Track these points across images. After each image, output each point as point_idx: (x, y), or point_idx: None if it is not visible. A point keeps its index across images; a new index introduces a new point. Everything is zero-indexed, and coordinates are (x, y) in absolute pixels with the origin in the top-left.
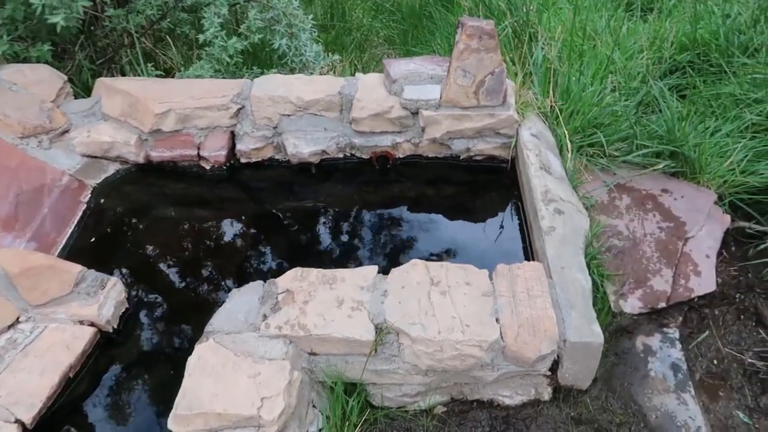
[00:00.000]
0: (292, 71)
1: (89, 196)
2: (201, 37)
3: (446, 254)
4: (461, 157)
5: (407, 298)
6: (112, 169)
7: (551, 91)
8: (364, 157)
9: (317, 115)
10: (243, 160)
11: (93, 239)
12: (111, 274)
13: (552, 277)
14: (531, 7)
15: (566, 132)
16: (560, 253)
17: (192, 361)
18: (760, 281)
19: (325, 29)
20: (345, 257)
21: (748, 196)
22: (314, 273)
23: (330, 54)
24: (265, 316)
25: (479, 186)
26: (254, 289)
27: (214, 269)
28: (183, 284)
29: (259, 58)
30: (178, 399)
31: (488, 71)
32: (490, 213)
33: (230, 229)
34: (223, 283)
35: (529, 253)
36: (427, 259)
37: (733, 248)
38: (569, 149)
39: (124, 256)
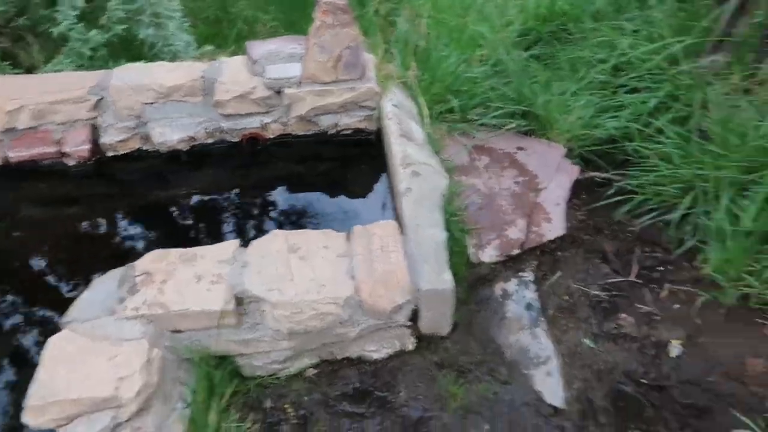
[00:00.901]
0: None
1: None
2: (55, 31)
3: (317, 225)
4: (329, 133)
5: (267, 266)
6: None
7: (413, 63)
8: (234, 140)
9: (181, 101)
10: (109, 154)
11: None
12: None
13: (408, 234)
14: None
15: (423, 101)
16: (416, 211)
17: (46, 353)
18: (608, 224)
19: (208, 22)
20: (218, 239)
21: (597, 148)
22: (173, 253)
23: (205, 45)
24: (122, 299)
25: (349, 159)
26: (114, 276)
27: (83, 266)
28: (49, 283)
29: (129, 51)
30: (31, 390)
31: (345, 45)
32: (360, 184)
33: (100, 224)
34: (92, 277)
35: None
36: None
37: (584, 196)
38: (427, 116)
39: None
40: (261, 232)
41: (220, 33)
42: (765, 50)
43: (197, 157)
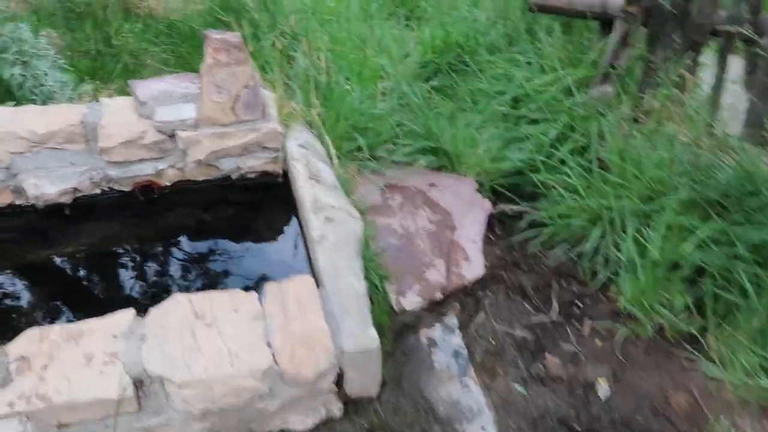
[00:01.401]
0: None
1: None
2: None
3: (226, 281)
4: (233, 177)
5: (169, 338)
6: None
7: (316, 100)
8: (125, 189)
9: (59, 149)
10: None
11: None
12: None
13: (326, 286)
14: (292, 22)
15: (329, 140)
16: (333, 261)
17: None
18: (523, 257)
19: (89, 56)
20: (111, 307)
21: (506, 180)
22: (56, 330)
23: (84, 82)
24: None
25: (256, 204)
26: None
27: None
28: None
29: None
30: None
31: (242, 84)
32: (270, 230)
33: None
34: None
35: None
36: (204, 291)
37: (498, 231)
38: (335, 156)
39: None
40: (161, 295)
41: (103, 67)
42: (647, 81)
43: (83, 210)
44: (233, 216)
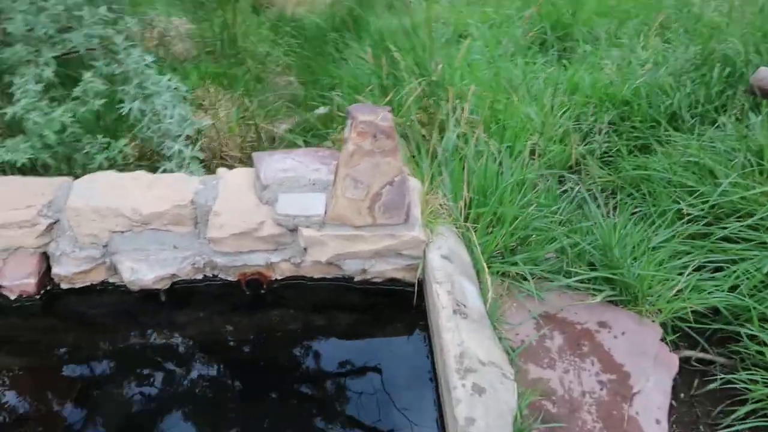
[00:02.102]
0: (145, 141)
1: None
2: (9, 112)
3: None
4: (356, 279)
5: None
6: None
7: (465, 187)
8: (229, 279)
9: (162, 230)
10: (64, 286)
11: None
12: None
13: None
14: (439, 65)
15: (479, 251)
16: None
17: None
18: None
19: (214, 55)
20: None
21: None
22: None
23: (201, 115)
24: None
25: (379, 312)
26: None
27: None
28: None
29: (103, 127)
30: None
31: (386, 180)
32: (392, 351)
33: (44, 378)
34: None
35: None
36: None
37: (679, 387)
38: (486, 272)
39: None
40: (246, 414)
41: (226, 73)
42: None
43: (180, 296)
44: (349, 325)
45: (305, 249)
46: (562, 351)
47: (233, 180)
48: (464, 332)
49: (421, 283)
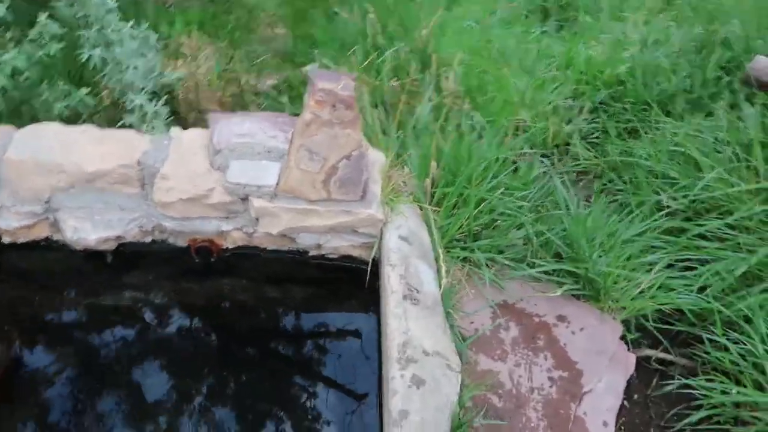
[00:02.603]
0: (111, 92)
1: None
2: None
3: (272, 384)
4: (311, 253)
5: None
6: None
7: (434, 164)
8: (179, 245)
9: (108, 190)
10: (6, 240)
11: None
12: None
13: None
14: (425, 30)
15: (437, 236)
16: None
17: None
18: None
19: (203, 4)
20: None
21: (652, 314)
22: None
23: (179, 66)
24: None
25: (333, 290)
26: None
27: None
28: None
29: (67, 74)
30: None
31: (343, 154)
32: (342, 331)
33: None
34: None
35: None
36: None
37: (633, 384)
38: (441, 256)
39: None
40: (195, 382)
41: (214, 19)
42: None
43: (128, 258)
44: (300, 300)
45: (257, 219)
46: (516, 343)
47: (186, 141)
48: (412, 320)
49: (377, 263)
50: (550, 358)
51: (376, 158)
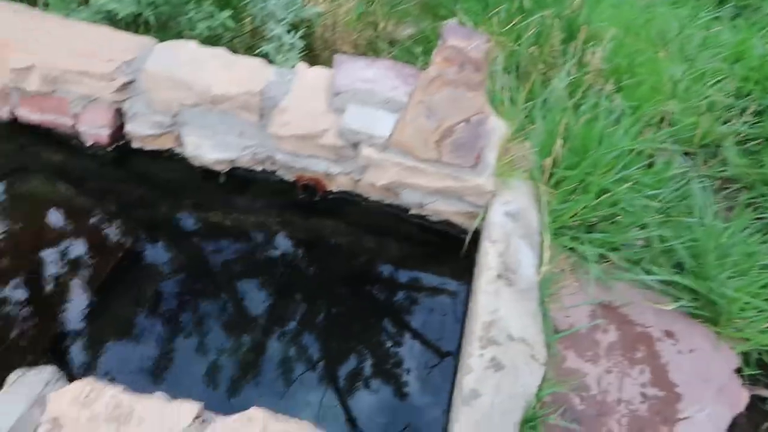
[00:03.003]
0: (252, 18)
1: None
2: None
3: (352, 333)
4: (412, 212)
5: None
6: None
7: (559, 143)
8: (287, 178)
9: (230, 113)
10: (135, 145)
11: None
12: None
13: None
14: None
15: (546, 219)
16: None
17: None
18: None
19: None
20: (233, 300)
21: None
22: (106, 398)
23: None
24: None
25: (428, 253)
26: (31, 387)
27: (71, 285)
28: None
29: None
30: None
31: (462, 117)
32: (432, 296)
33: (106, 231)
34: (69, 308)
35: None
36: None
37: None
38: (548, 240)
39: None
40: (283, 315)
41: None
42: None
43: (239, 181)
44: (395, 255)
45: (364, 168)
46: (611, 349)
47: (309, 79)
48: (502, 300)
49: (477, 234)
50: (647, 373)
51: (497, 127)
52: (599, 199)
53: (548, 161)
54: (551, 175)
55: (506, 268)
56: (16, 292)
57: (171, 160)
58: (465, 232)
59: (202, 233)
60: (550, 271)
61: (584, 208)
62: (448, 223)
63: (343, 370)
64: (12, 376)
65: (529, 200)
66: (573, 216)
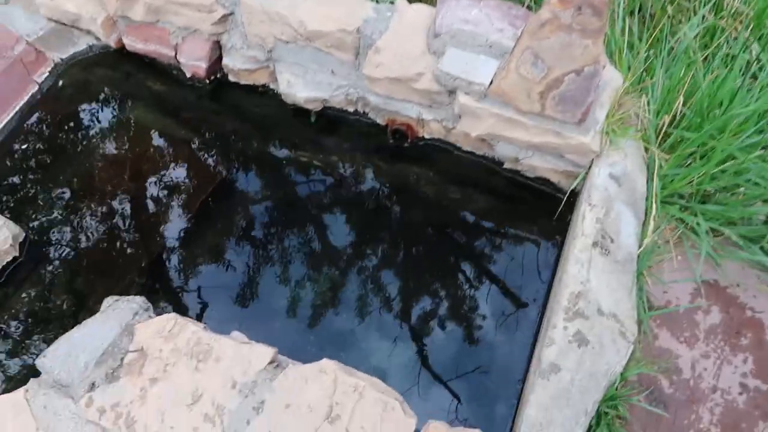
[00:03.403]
0: None
1: (46, 74)
2: None
3: (432, 311)
4: (505, 165)
5: (284, 430)
6: (84, 42)
7: (682, 98)
8: (377, 121)
9: (324, 51)
10: (231, 79)
11: (31, 138)
12: (35, 193)
13: None
14: None
15: (656, 184)
16: (546, 419)
17: None
18: None
19: None
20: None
21: None
22: (188, 333)
23: None
24: (92, 386)
25: (519, 210)
26: (122, 314)
27: (167, 211)
28: (117, 224)
29: None
30: None
31: (573, 67)
32: (517, 257)
33: (203, 161)
34: (165, 233)
35: None
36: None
37: None
38: (654, 207)
39: (62, 168)
40: (362, 259)
41: None
42: None
43: (330, 122)
44: (482, 209)
45: (459, 116)
46: (712, 332)
47: (409, 18)
48: (595, 271)
49: (575, 196)
50: (750, 363)
51: (611, 79)
52: (721, 167)
53: (665, 120)
54: (667, 136)
55: (604, 236)
56: (117, 213)
57: (265, 95)
58: (561, 191)
59: (291, 170)
60: (652, 242)
61: (702, 175)
62: (543, 181)
63: (420, 316)
64: (106, 302)
65: (637, 163)
66: (687, 184)
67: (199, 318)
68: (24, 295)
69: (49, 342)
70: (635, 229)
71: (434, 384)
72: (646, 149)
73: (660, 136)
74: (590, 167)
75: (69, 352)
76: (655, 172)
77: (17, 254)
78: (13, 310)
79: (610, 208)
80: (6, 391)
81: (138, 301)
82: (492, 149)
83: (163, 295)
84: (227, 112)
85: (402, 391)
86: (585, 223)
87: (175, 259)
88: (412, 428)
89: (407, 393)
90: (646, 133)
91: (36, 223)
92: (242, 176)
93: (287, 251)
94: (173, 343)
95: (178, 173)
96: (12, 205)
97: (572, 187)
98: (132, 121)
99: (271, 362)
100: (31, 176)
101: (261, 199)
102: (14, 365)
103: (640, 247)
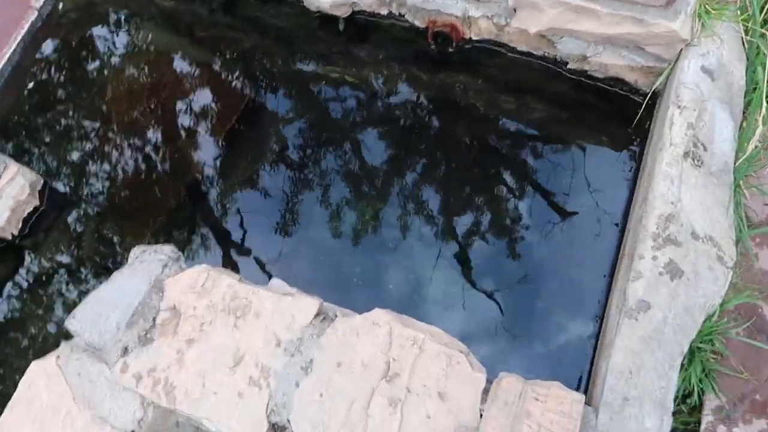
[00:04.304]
0: None
1: None
2: None
3: (483, 240)
4: (569, 66)
5: (337, 392)
6: None
7: None
8: (417, 24)
9: None
10: None
11: (37, 72)
12: (48, 132)
13: (598, 415)
14: None
15: (764, 80)
16: (636, 364)
17: (21, 388)
18: None
19: None
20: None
21: None
22: (223, 286)
23: None
24: (125, 350)
25: (586, 118)
26: (151, 267)
27: (193, 142)
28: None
29: None
30: None
31: None
32: (585, 175)
33: (227, 81)
34: (191, 167)
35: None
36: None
37: None
38: (764, 109)
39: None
40: (410, 194)
41: None
42: None
43: (360, 29)
44: (540, 119)
45: (514, 10)
46: None
47: None
48: (687, 187)
49: (657, 97)
50: None
51: None
52: None
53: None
54: None
55: (696, 144)
56: (138, 149)
57: (284, 3)
58: (640, 93)
59: (320, 86)
60: (755, 148)
61: None
62: (616, 82)
63: (478, 248)
64: (133, 253)
65: (735, 50)
66: None
67: (236, 255)
68: (51, 246)
69: (82, 296)
70: (732, 133)
71: (498, 325)
72: (746, 32)
73: (762, 15)
74: (677, 61)
75: (99, 312)
76: (758, 60)
77: (38, 203)
78: (40, 264)
79: (704, 109)
80: (38, 352)
81: (166, 251)
82: (554, 47)
83: (195, 236)
84: (245, 27)
85: (464, 339)
86: (673, 130)
87: (205, 195)
88: (481, 383)
89: (471, 340)
90: (748, 11)
91: (54, 165)
92: (270, 97)
93: (325, 169)
94: (208, 299)
95: (200, 99)
96: (25, 146)
97: (654, 87)
98: (143, 44)
99: (317, 315)
100: (41, 114)
101: (291, 117)
102: (47, 324)
103: (737, 152)
